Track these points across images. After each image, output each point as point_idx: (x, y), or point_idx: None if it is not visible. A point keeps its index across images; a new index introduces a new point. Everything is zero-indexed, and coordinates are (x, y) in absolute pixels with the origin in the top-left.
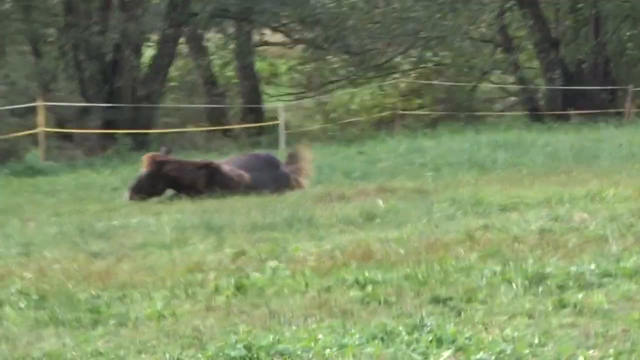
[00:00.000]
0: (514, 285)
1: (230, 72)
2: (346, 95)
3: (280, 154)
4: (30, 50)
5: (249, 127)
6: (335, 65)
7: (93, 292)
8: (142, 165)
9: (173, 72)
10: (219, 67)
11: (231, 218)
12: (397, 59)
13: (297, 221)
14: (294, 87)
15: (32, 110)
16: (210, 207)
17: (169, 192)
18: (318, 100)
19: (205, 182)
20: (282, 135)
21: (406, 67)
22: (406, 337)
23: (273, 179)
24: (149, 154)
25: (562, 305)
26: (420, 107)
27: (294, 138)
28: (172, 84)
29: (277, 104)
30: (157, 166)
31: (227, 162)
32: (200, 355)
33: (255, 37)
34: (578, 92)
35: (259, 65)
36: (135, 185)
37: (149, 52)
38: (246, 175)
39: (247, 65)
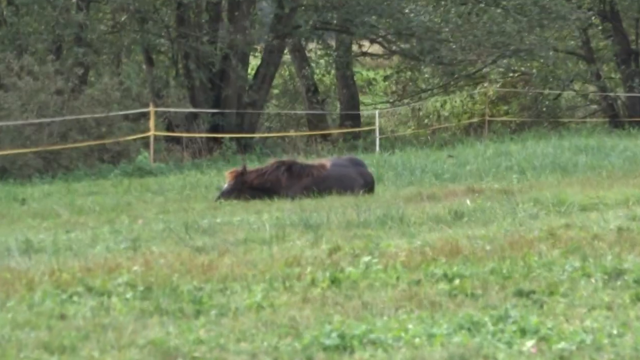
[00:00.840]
0: (593, 279)
1: (330, 80)
2: (438, 102)
3: (376, 158)
4: (144, 59)
5: (346, 132)
6: (428, 75)
7: (196, 284)
8: (225, 180)
9: (277, 80)
10: (320, 76)
11: (328, 216)
12: (486, 69)
13: (390, 219)
14: (389, 95)
15: (144, 115)
16: (308, 206)
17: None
18: (412, 107)
19: (286, 178)
20: (377, 140)
21: (494, 76)
22: (491, 328)
23: (358, 173)
24: (230, 170)
25: (639, 298)
26: (507, 113)
27: (389, 142)
28: (275, 91)
29: (373, 111)
30: (239, 178)
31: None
32: (296, 344)
33: (354, 48)
34: None
35: (357, 74)
36: (219, 198)
37: (255, 62)
38: (327, 164)
39: (346, 74)
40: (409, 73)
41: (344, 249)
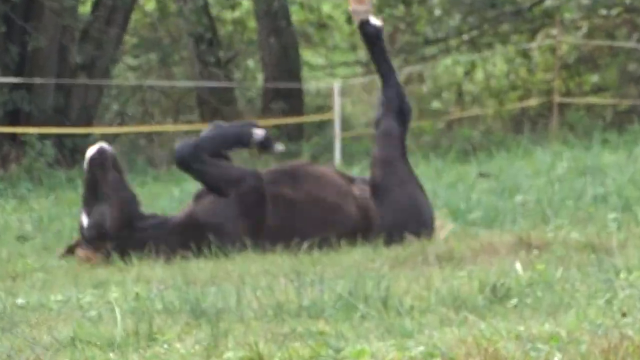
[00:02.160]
0: None
1: (243, 20)
2: (459, 66)
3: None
4: None
5: (276, 125)
6: (441, 13)
7: None
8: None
9: (136, 19)
10: (223, 12)
11: (238, 294)
12: (556, 2)
13: (362, 301)
14: (358, 50)
15: None
16: (199, 273)
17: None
18: (407, 76)
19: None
20: (338, 140)
21: (572, 14)
22: None
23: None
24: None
25: None
26: (597, 90)
27: (360, 146)
28: (133, 41)
29: (329, 82)
30: None
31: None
32: None
33: None
34: None
35: (297, 12)
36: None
37: None
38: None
39: (274, 11)
40: (401, 8)
41: None
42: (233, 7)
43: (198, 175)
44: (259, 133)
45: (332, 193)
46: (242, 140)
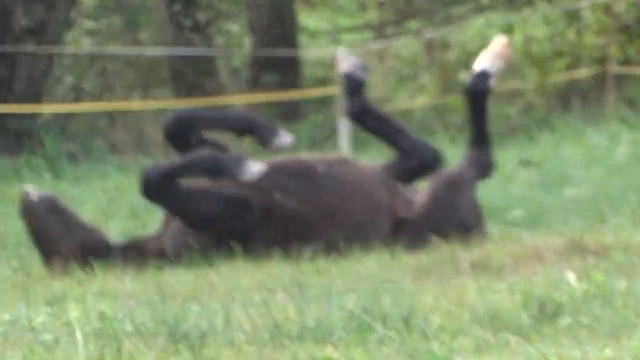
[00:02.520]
0: None
1: None
2: (492, 29)
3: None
4: None
5: (267, 104)
6: None
7: None
8: None
9: None
10: None
11: (227, 312)
12: None
13: (379, 320)
14: (369, 11)
15: None
16: (178, 286)
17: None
18: (427, 42)
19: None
20: (344, 119)
21: None
22: None
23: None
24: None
25: None
26: None
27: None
28: (92, 1)
29: (331, 49)
30: None
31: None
32: None
33: None
34: None
35: None
36: None
37: None
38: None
39: None
40: None
41: None
42: None
43: (170, 212)
44: (257, 168)
45: (360, 207)
46: (231, 174)
